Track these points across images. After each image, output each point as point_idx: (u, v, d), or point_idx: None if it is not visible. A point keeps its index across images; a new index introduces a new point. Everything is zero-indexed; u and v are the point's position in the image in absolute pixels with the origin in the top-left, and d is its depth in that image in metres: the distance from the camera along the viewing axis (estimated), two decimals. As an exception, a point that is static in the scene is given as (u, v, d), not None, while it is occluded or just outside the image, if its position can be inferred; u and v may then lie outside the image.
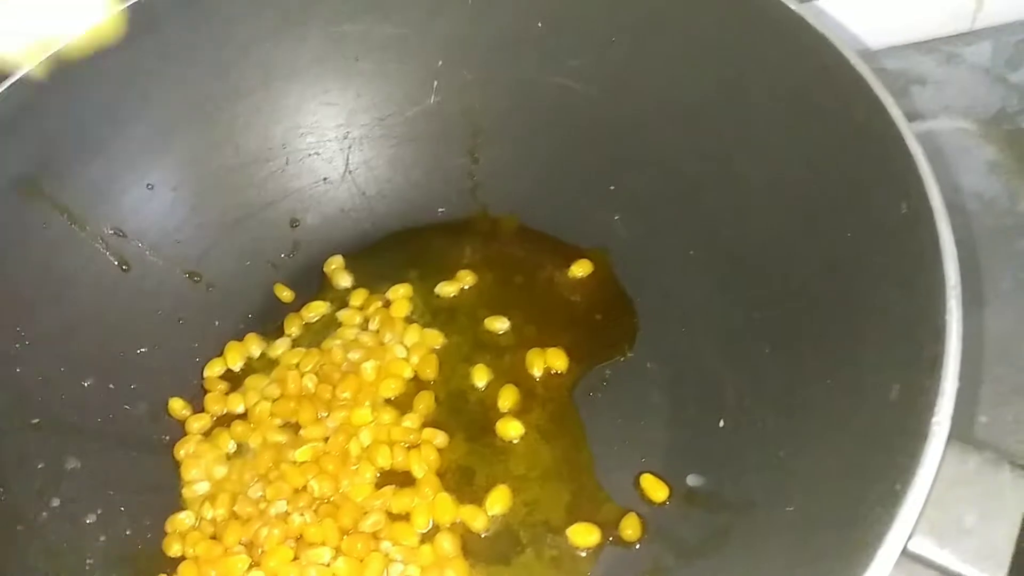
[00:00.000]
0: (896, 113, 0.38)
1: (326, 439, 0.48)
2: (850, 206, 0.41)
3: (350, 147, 0.58)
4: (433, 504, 0.45)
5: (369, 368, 0.51)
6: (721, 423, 0.45)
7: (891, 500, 0.30)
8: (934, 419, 0.30)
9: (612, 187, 0.54)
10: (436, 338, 0.52)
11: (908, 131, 0.37)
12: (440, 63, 0.56)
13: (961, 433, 0.31)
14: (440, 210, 0.58)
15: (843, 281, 0.41)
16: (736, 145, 0.48)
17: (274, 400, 0.50)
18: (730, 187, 0.48)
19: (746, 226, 0.48)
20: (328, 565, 0.44)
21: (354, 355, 0.51)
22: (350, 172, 0.58)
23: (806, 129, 0.43)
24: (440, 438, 0.48)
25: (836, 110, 0.41)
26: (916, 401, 0.33)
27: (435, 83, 0.57)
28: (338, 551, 0.44)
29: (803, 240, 0.44)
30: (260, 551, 0.45)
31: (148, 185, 0.53)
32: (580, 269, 0.54)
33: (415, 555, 0.44)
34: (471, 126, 0.57)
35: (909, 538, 0.28)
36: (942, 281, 0.33)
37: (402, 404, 0.50)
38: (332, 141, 0.58)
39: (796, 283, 0.44)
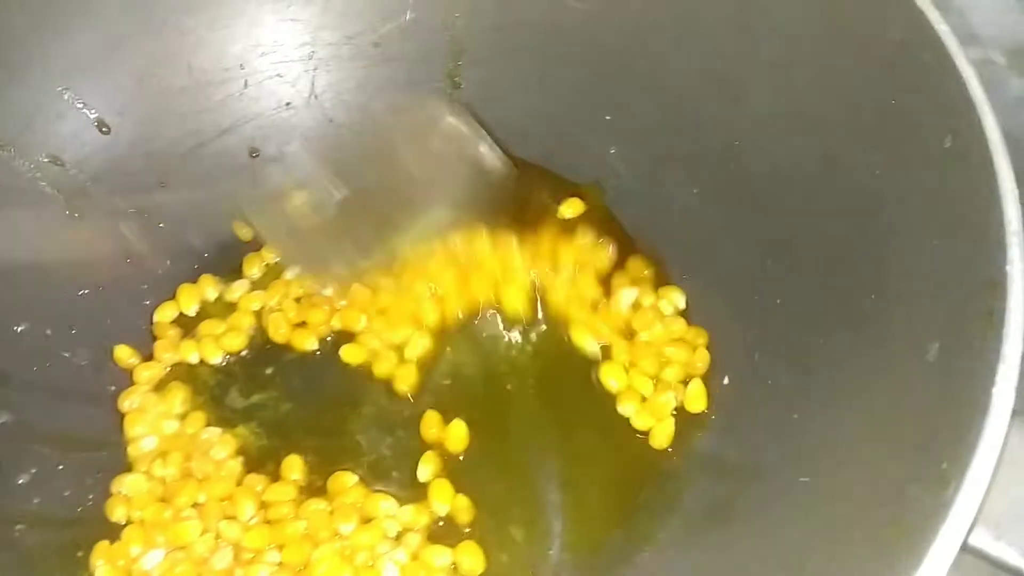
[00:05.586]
0: (943, 29, 0.33)
1: (290, 392, 0.44)
2: (881, 139, 0.36)
3: (316, 68, 0.52)
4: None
5: (337, 316, 0.46)
6: (725, 380, 0.42)
7: (935, 481, 0.26)
8: (993, 388, 0.25)
9: (608, 116, 0.49)
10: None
11: (959, 52, 0.32)
12: (418, -28, 0.51)
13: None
14: (417, 141, 0.52)
15: (869, 225, 0.37)
16: (748, 68, 0.43)
17: (232, 349, 0.45)
18: (741, 116, 0.44)
19: (758, 161, 0.43)
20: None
21: (321, 301, 0.47)
22: (316, 96, 0.52)
23: (832, 49, 0.38)
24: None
25: (869, 25, 0.36)
26: (963, 363, 0.29)
27: (412, -5, 0.51)
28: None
29: (824, 177, 0.40)
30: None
31: (88, 108, 0.48)
32: (570, 209, 0.49)
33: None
34: (453, 46, 0.51)
35: (970, 531, 0.24)
36: (1000, 225, 0.28)
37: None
38: (296, 62, 0.52)
39: (814, 225, 0.40)
